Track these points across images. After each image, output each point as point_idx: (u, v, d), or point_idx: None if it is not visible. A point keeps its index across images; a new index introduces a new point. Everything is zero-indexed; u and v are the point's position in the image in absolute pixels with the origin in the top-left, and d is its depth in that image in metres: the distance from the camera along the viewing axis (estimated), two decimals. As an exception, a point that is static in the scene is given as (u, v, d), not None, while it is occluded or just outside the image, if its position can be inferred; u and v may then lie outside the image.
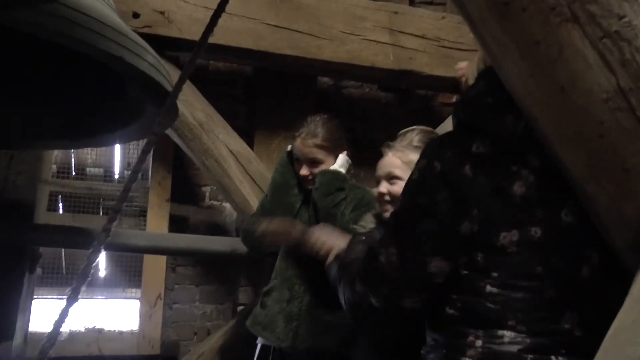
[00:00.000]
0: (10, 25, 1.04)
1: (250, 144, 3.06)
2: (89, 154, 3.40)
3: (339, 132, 2.31)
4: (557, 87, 0.91)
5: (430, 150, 1.14)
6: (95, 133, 2.00)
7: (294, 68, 2.99)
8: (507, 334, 1.05)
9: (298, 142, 2.26)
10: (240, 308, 3.10)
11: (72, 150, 3.35)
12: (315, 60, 2.87)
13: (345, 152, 2.28)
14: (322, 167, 2.25)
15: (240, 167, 2.79)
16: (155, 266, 3.25)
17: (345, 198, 2.23)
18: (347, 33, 2.90)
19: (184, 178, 3.40)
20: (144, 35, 2.51)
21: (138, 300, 3.29)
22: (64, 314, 0.89)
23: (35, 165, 2.51)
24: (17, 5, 0.94)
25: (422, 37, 3.01)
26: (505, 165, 1.07)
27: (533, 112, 1.00)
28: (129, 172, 3.44)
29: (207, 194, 3.48)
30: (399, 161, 1.78)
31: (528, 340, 1.04)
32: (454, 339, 1.11)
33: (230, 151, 2.79)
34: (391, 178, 1.78)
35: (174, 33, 2.65)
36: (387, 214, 1.78)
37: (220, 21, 2.71)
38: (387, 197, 1.78)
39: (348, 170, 2.28)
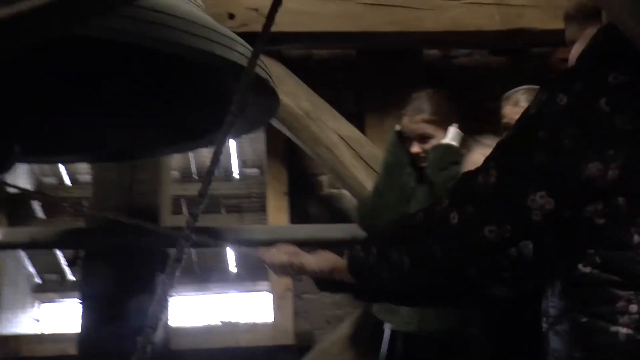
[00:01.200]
0: (96, 35, 1.07)
1: (362, 128, 3.01)
2: (207, 156, 3.52)
3: (446, 104, 2.22)
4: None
5: (554, 82, 1.00)
6: (205, 133, 2.05)
7: (397, 44, 2.91)
8: None
9: (405, 120, 2.21)
10: (367, 294, 3.08)
11: (191, 154, 3.49)
12: (417, 33, 2.76)
13: (456, 125, 2.18)
14: (433, 142, 2.17)
15: (352, 152, 2.76)
16: (280, 259, 3.31)
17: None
18: (448, 0, 2.76)
19: (300, 169, 3.43)
20: (241, 34, 2.56)
21: (268, 293, 3.37)
22: (159, 305, 0.89)
23: (156, 172, 2.63)
24: (97, 11, 0.95)
25: (529, -10, 2.80)
26: None
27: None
28: (245, 169, 3.52)
29: (325, 183, 3.49)
30: None
31: None
32: (596, 305, 0.95)
33: (341, 137, 2.77)
34: None
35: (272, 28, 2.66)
36: None
37: (315, 8, 2.73)
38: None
39: (461, 143, 2.18)
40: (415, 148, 2.19)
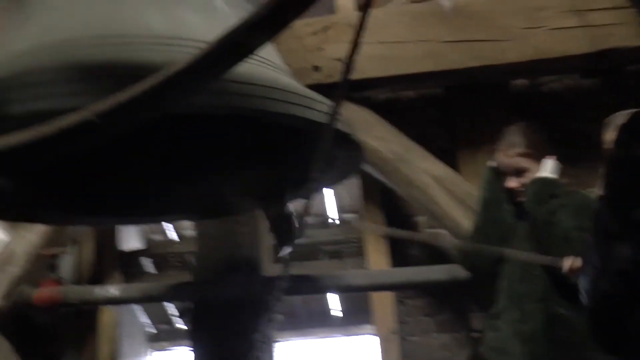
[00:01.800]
0: (188, 112, 1.15)
1: (454, 164, 2.99)
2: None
3: (539, 136, 2.19)
4: None
5: None
6: (298, 187, 2.12)
7: (482, 78, 2.88)
8: None
9: (500, 155, 2.21)
10: (475, 335, 2.99)
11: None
12: (501, 65, 2.73)
13: (551, 156, 2.13)
14: (529, 175, 2.14)
15: (446, 191, 2.73)
16: (383, 301, 3.31)
17: (564, 205, 2.06)
18: (529, 28, 2.71)
19: (395, 211, 3.43)
20: (328, 85, 2.66)
21: (374, 335, 3.36)
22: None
23: (254, 224, 2.73)
24: (188, 94, 1.03)
25: (615, 8, 2.69)
26: None
27: None
28: (343, 214, 3.56)
29: (422, 223, 3.46)
30: None
31: None
32: None
33: (433, 177, 2.76)
34: None
35: (356, 75, 2.72)
36: None
37: (397, 52, 2.77)
38: None
39: (559, 173, 2.12)
40: (512, 183, 2.16)
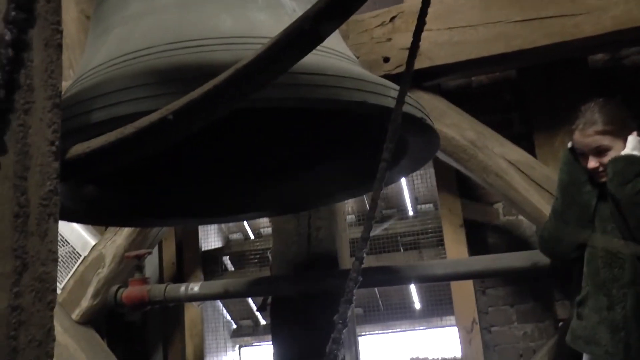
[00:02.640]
0: (259, 106, 1.17)
1: (531, 148, 2.90)
2: (384, 198, 3.60)
3: (620, 112, 2.06)
4: None
5: None
6: (372, 177, 2.11)
7: (557, 56, 2.77)
8: None
9: (577, 135, 2.08)
10: (560, 324, 2.90)
11: (365, 197, 3.57)
12: (576, 40, 2.60)
13: (635, 133, 2.02)
14: (611, 154, 2.02)
15: (523, 176, 2.66)
16: (463, 292, 3.26)
17: None
18: (606, -1, 2.59)
19: (474, 199, 3.37)
20: (398, 75, 2.64)
21: (455, 327, 3.32)
22: (337, 339, 0.95)
23: (332, 218, 2.74)
24: (257, 87, 1.05)
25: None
26: None
27: None
28: (419, 205, 3.52)
29: (500, 210, 3.39)
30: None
31: None
32: None
33: (509, 162, 2.68)
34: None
35: (426, 63, 2.69)
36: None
37: (467, 36, 2.72)
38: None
39: None
40: (592, 163, 2.05)
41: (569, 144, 2.17)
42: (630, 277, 1.97)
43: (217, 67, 1.24)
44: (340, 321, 0.96)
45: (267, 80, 1.08)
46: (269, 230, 3.85)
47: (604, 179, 2.04)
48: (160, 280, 3.61)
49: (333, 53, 1.52)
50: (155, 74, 1.33)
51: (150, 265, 3.39)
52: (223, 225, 3.90)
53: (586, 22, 2.59)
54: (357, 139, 2.01)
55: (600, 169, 2.04)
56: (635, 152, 1.99)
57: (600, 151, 2.03)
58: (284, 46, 1.00)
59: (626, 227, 1.99)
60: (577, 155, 2.12)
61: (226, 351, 3.90)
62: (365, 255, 0.98)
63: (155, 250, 3.54)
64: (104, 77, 1.39)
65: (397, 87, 1.48)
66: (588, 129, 2.04)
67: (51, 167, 1.00)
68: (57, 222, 1.08)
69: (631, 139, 2.00)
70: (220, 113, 1.10)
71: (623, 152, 2.01)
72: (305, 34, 1.00)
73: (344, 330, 1.03)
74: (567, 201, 2.15)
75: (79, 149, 1.14)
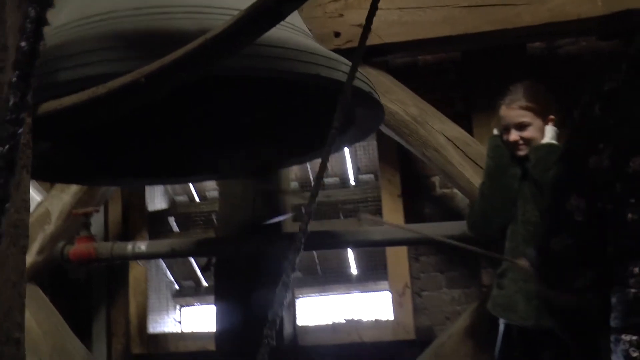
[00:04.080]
0: (222, 74, 1.26)
1: (469, 127, 3.08)
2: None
3: (544, 94, 2.26)
4: None
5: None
6: (320, 145, 2.22)
7: (499, 42, 2.94)
8: None
9: (503, 108, 2.27)
10: (484, 289, 3.12)
11: (308, 165, 3.69)
12: (517, 29, 2.78)
13: (552, 122, 2.21)
14: (531, 129, 2.21)
15: (459, 152, 2.83)
16: (397, 258, 3.44)
17: None
18: (544, -9, 2.77)
19: (412, 172, 3.54)
20: (348, 50, 2.75)
21: (388, 291, 3.51)
22: (280, 302, 1.06)
23: (276, 184, 2.85)
24: (225, 56, 1.14)
25: (631, -32, 2.72)
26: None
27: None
28: (360, 175, 3.66)
29: (437, 183, 3.57)
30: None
31: None
32: (620, 274, 1.17)
33: (448, 138, 2.85)
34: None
35: (375, 41, 2.80)
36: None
37: (416, 17, 2.84)
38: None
39: (557, 140, 2.20)
40: (514, 136, 2.23)
41: (495, 131, 2.35)
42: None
43: (182, 35, 1.33)
44: (291, 266, 1.08)
45: (233, 52, 1.18)
46: (215, 193, 3.92)
47: (522, 153, 2.22)
48: (106, 238, 3.63)
49: (290, 27, 1.61)
50: (122, 37, 1.40)
51: (96, 223, 3.41)
52: (169, 187, 3.94)
53: (526, 12, 2.76)
54: (304, 110, 2.12)
55: (520, 142, 2.22)
56: (554, 141, 2.18)
57: (522, 126, 2.21)
58: (249, 22, 1.10)
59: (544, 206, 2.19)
60: (504, 142, 2.29)
61: (168, 311, 3.97)
62: (314, 207, 1.09)
63: (101, 209, 3.55)
64: (72, 37, 1.44)
65: (348, 62, 1.60)
66: (513, 104, 2.23)
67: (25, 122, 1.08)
68: (29, 174, 1.15)
69: (549, 129, 2.19)
70: (188, 79, 1.19)
71: (544, 141, 2.19)
72: (269, 11, 1.10)
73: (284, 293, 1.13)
74: (493, 185, 2.32)
75: (51, 105, 1.21)
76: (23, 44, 0.60)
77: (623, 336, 1.17)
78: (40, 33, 0.61)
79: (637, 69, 1.18)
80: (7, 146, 0.60)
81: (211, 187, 3.98)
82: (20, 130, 0.59)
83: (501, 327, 2.30)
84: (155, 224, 3.83)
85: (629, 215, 1.13)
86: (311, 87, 1.68)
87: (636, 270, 1.13)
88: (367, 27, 1.30)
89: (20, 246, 1.09)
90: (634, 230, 1.13)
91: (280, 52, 1.38)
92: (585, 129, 1.20)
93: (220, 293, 2.96)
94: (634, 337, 1.14)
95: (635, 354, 1.15)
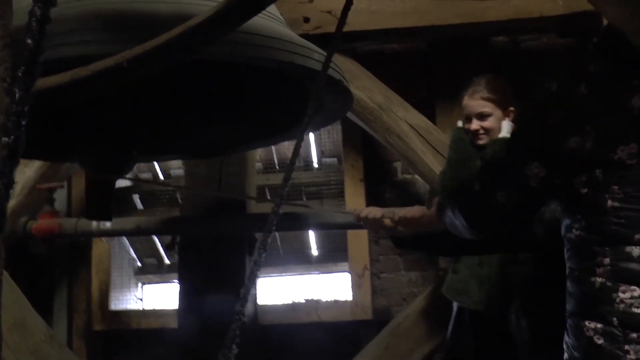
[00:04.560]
0: (205, 58, 1.31)
1: (432, 115, 3.17)
2: (288, 148, 3.77)
3: (504, 87, 2.36)
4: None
5: (553, 73, 1.24)
6: (287, 129, 2.28)
7: (464, 35, 3.04)
8: (636, 250, 1.09)
9: (466, 98, 2.36)
10: (440, 273, 3.24)
11: (273, 147, 3.74)
12: (482, 23, 2.89)
13: (512, 114, 2.31)
14: (491, 119, 2.31)
15: (422, 140, 2.93)
16: (358, 241, 3.54)
17: None
18: (510, -11, 2.87)
19: (375, 157, 3.62)
20: (316, 36, 2.80)
21: (348, 273, 3.60)
22: (249, 284, 1.11)
23: (242, 165, 2.89)
24: (207, 42, 1.18)
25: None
26: (625, 80, 1.13)
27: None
28: (324, 159, 3.72)
29: (399, 169, 3.66)
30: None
31: None
32: (584, 261, 1.17)
33: (411, 126, 2.94)
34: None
35: (345, 27, 2.83)
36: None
37: (385, 7, 2.90)
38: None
39: None
40: (474, 125, 2.32)
41: (459, 123, 2.44)
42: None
43: (161, 20, 1.37)
44: (261, 246, 1.14)
45: (214, 40, 1.22)
46: (179, 172, 3.94)
47: (482, 142, 2.32)
48: (69, 214, 3.61)
49: (265, 14, 1.66)
50: (102, 19, 1.42)
51: (59, 199, 3.39)
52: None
53: (491, 7, 2.87)
54: (267, 93, 2.17)
55: (481, 131, 2.32)
56: (509, 136, 2.29)
57: (482, 116, 2.31)
58: (231, 11, 1.15)
59: None
60: (466, 134, 2.39)
61: (130, 288, 3.99)
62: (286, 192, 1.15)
63: (65, 185, 3.53)
64: (52, 16, 1.45)
65: (321, 51, 1.65)
66: (475, 95, 2.32)
67: (3, 103, 1.10)
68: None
69: (505, 124, 2.29)
70: (168, 65, 1.23)
71: (500, 135, 2.29)
72: (250, 2, 1.15)
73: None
74: (454, 175, 2.40)
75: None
76: (29, 41, 0.64)
77: (587, 322, 1.17)
78: (44, 31, 0.66)
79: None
80: (12, 137, 0.64)
81: (176, 165, 3.98)
82: (24, 122, 0.64)
83: (454, 310, 2.42)
84: (120, 201, 3.82)
85: (609, 202, 1.13)
86: (274, 72, 1.73)
87: (606, 261, 1.12)
88: (342, 20, 1.37)
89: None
90: (614, 218, 1.12)
91: (256, 39, 1.42)
92: (567, 105, 1.17)
93: (184, 271, 2.99)
94: (599, 325, 1.15)
95: (600, 342, 1.16)
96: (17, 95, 0.64)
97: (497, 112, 2.31)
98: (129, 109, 2.32)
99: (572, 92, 1.16)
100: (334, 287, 3.87)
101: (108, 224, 2.91)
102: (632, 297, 1.10)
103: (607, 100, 1.13)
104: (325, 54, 1.66)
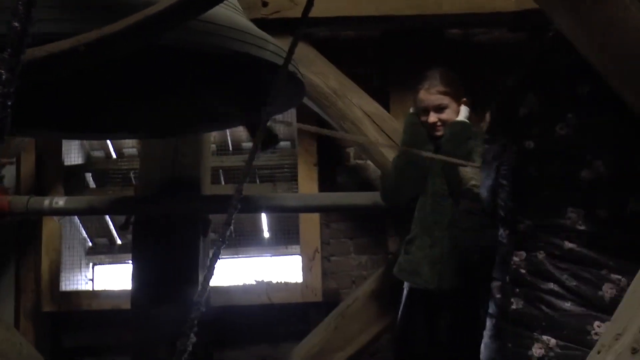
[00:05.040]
0: (163, 44, 1.33)
1: (386, 103, 3.24)
2: (243, 131, 3.79)
3: (457, 80, 2.47)
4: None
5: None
6: (238, 113, 2.31)
7: (417, 26, 3.12)
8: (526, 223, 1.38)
9: (422, 93, 2.44)
10: (390, 256, 3.34)
11: (227, 131, 3.76)
12: (436, 15, 2.97)
13: (465, 104, 2.41)
14: (448, 111, 2.40)
15: (375, 127, 3.00)
16: (309, 224, 3.59)
17: (478, 146, 2.35)
18: (465, -16, 2.95)
19: (329, 142, 3.67)
20: (274, 20, 2.82)
21: (299, 255, 3.67)
22: (211, 269, 1.14)
23: (197, 146, 2.90)
24: (167, 29, 1.21)
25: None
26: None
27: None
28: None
29: (352, 154, 3.73)
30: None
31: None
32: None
33: (365, 113, 3.01)
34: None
35: (301, 14, 2.87)
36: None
37: (343, -6, 2.92)
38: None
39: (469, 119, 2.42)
40: (432, 118, 2.42)
41: (412, 109, 2.52)
42: (449, 222, 2.38)
43: (122, 2, 1.38)
44: (221, 239, 1.17)
45: (173, 27, 1.25)
46: (132, 150, 3.91)
47: (439, 133, 2.42)
48: (17, 192, 3.54)
49: (224, 3, 1.68)
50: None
51: (7, 176, 3.33)
52: (85, 141, 3.88)
53: (446, 1, 2.95)
54: (227, 80, 2.19)
55: (439, 123, 2.42)
56: (467, 120, 2.39)
57: (440, 108, 2.41)
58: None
59: (453, 181, 2.40)
60: (420, 120, 2.47)
61: (81, 269, 3.94)
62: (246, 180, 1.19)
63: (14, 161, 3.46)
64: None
65: (276, 42, 1.69)
66: (432, 89, 2.41)
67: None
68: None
69: (463, 108, 2.40)
70: (126, 50, 1.25)
71: (458, 119, 2.39)
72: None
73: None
74: (407, 160, 2.49)
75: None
76: (16, 24, 0.66)
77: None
78: (30, 14, 0.68)
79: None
80: (-3, 118, 0.67)
81: (129, 144, 3.95)
82: (10, 103, 0.67)
83: (405, 291, 2.51)
84: (71, 179, 3.76)
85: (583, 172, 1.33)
86: (230, 60, 1.76)
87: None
88: (307, 8, 1.41)
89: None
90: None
91: (212, 28, 1.45)
92: (556, 98, 1.35)
93: (138, 252, 2.98)
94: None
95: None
96: (3, 76, 0.66)
97: (453, 104, 2.41)
98: (80, 85, 2.29)
99: (566, 87, 1.36)
100: (285, 269, 3.92)
101: (61, 203, 2.89)
102: (520, 260, 1.39)
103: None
104: (281, 46, 1.71)
